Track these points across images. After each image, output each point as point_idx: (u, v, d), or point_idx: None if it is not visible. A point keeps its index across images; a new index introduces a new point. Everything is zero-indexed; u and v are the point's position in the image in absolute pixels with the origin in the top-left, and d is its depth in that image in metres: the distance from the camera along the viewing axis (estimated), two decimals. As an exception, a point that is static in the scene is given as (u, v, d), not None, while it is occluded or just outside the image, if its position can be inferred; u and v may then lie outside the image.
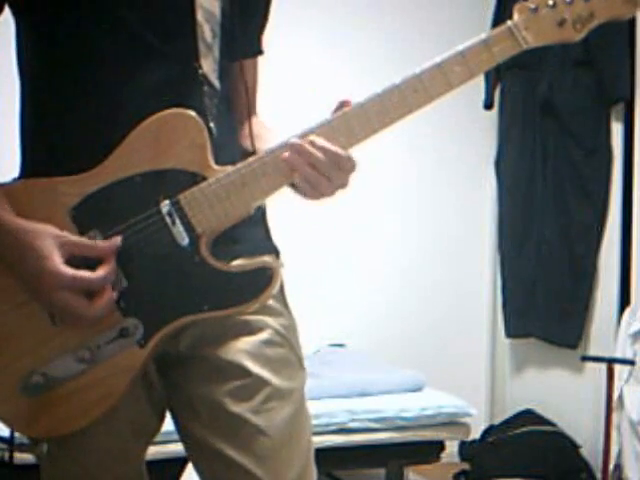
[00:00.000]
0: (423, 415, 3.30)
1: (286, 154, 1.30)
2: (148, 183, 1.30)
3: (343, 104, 1.33)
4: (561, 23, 1.33)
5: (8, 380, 1.30)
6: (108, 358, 1.29)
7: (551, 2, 1.32)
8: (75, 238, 1.27)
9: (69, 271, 1.24)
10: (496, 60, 1.33)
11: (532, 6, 1.33)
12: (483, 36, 1.33)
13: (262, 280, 1.32)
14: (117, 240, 1.28)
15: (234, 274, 1.32)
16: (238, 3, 1.42)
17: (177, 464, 2.68)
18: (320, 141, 1.30)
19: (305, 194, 1.35)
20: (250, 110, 1.52)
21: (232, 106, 1.48)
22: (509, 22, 1.33)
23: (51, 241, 1.25)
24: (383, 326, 4.19)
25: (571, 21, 1.33)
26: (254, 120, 1.52)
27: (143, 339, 1.30)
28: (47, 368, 1.29)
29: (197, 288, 1.31)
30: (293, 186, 1.36)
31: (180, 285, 1.31)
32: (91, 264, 1.27)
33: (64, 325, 1.29)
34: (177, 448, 2.14)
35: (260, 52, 1.54)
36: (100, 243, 1.27)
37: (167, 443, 2.58)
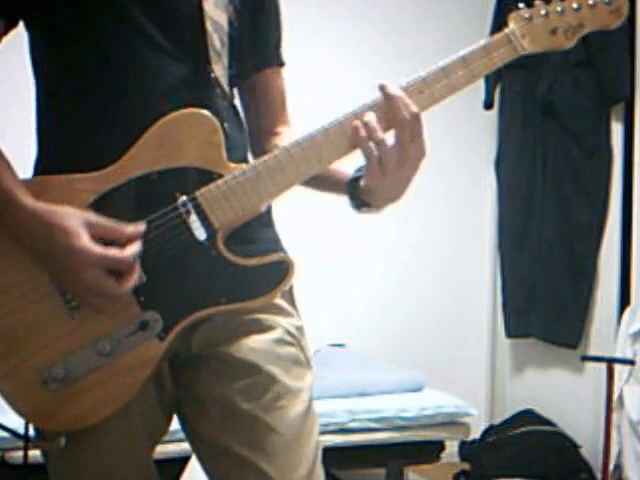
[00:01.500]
0: (423, 415, 3.30)
1: (355, 122, 1.34)
2: (164, 180, 1.32)
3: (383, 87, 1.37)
4: (553, 31, 1.44)
5: (28, 374, 1.30)
6: (128, 351, 1.31)
7: (543, 12, 1.43)
8: (101, 219, 1.28)
9: (98, 248, 1.25)
10: (495, 64, 1.42)
11: (526, 15, 1.43)
12: (482, 42, 1.41)
13: (278, 273, 1.35)
14: (141, 226, 1.29)
15: (251, 268, 1.34)
16: (246, 16, 1.46)
17: (177, 464, 2.70)
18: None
19: (372, 179, 1.36)
20: (281, 120, 1.57)
21: (257, 118, 1.53)
22: (506, 30, 1.43)
23: (78, 220, 1.26)
24: (383, 326, 4.19)
25: (562, 30, 1.44)
26: (284, 131, 1.55)
27: (163, 332, 1.32)
28: (67, 362, 1.30)
29: (215, 281, 1.33)
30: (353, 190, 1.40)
31: (198, 279, 1.33)
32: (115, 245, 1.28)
33: (88, 310, 1.29)
34: (177, 448, 2.16)
35: (281, 63, 1.57)
36: (125, 227, 1.28)
37: (167, 443, 2.58)
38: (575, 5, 1.42)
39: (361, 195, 1.42)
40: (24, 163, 1.41)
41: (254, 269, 1.34)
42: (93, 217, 1.28)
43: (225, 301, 1.33)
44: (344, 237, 4.14)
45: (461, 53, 1.39)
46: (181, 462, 2.67)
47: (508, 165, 4.26)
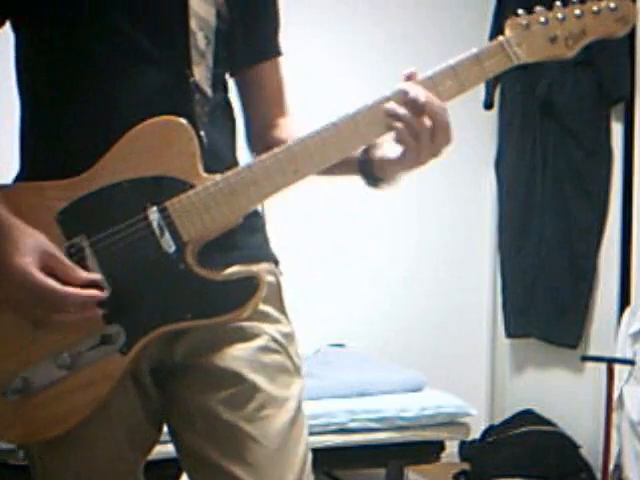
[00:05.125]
0: (423, 415, 3.29)
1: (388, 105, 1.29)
2: (136, 189, 1.29)
3: (410, 77, 1.33)
4: (553, 40, 1.35)
5: None
6: (89, 365, 1.28)
7: (543, 19, 1.34)
8: (59, 253, 1.25)
9: (38, 274, 1.22)
10: (487, 74, 1.34)
11: (524, 22, 1.34)
12: (475, 50, 1.34)
13: (247, 290, 1.30)
14: (97, 275, 1.27)
15: (219, 283, 1.31)
16: (238, 6, 1.42)
17: (177, 464, 2.69)
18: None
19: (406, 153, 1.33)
20: (280, 111, 1.52)
21: (254, 113, 1.49)
22: (501, 37, 1.34)
23: (34, 243, 1.24)
24: (383, 326, 4.19)
25: (563, 38, 1.36)
26: (282, 122, 1.51)
27: (125, 346, 1.29)
28: (27, 373, 1.28)
29: (181, 296, 1.30)
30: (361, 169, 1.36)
31: (164, 293, 1.30)
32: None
33: (48, 330, 1.27)
34: (177, 448, 2.13)
35: (277, 53, 1.52)
36: (78, 270, 1.25)
37: (167, 443, 2.58)
38: (578, 12, 1.35)
39: (375, 172, 1.38)
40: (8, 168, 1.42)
41: (223, 285, 1.31)
42: (51, 248, 1.25)
43: (191, 317, 1.30)
44: (344, 237, 4.14)
45: (451, 62, 1.33)
46: (181, 462, 2.66)
47: (508, 165, 4.26)
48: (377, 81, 4.04)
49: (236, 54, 1.44)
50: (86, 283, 1.25)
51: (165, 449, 2.61)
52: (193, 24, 1.35)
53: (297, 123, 1.51)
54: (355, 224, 4.15)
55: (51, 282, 1.23)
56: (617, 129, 3.74)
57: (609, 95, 3.69)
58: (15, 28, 1.38)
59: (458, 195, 4.39)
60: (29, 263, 1.22)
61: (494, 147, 4.35)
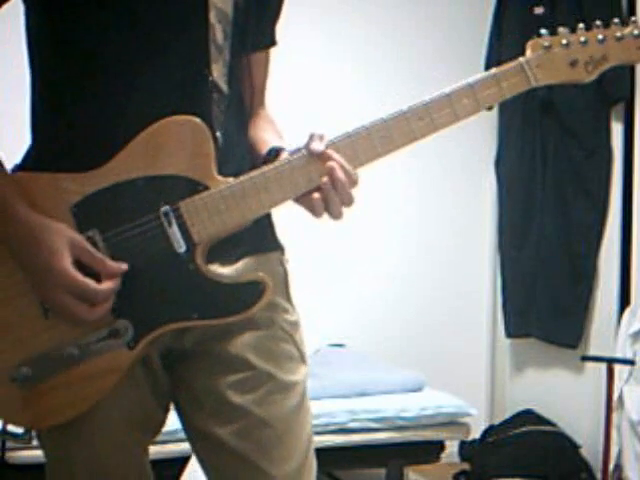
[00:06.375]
0: (423, 415, 3.30)
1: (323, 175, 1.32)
2: (150, 187, 1.30)
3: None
4: (573, 63, 1.35)
5: None
6: (96, 357, 1.30)
7: (565, 41, 1.34)
8: (88, 245, 1.28)
9: (75, 274, 1.25)
10: (504, 95, 1.35)
11: (546, 44, 1.34)
12: (494, 70, 1.35)
13: (253, 294, 1.33)
14: (124, 265, 1.29)
15: (226, 285, 1.33)
16: None
17: (177, 464, 2.70)
18: (341, 159, 1.32)
19: (315, 211, 1.35)
20: (261, 100, 1.54)
21: (245, 102, 1.48)
22: (521, 58, 1.35)
23: (65, 239, 1.26)
24: (383, 326, 4.19)
25: (583, 62, 1.36)
26: (261, 115, 1.53)
27: (132, 341, 1.31)
28: (36, 361, 1.30)
29: (189, 296, 1.32)
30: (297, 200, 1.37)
31: (173, 291, 1.32)
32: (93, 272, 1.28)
33: (58, 319, 1.29)
34: (177, 448, 2.16)
35: (274, 43, 1.53)
36: (108, 262, 1.28)
37: (167, 443, 2.58)
38: (600, 36, 1.35)
39: None
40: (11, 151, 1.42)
41: (230, 287, 1.33)
42: (81, 241, 1.27)
43: (197, 316, 1.32)
44: (345, 237, 4.14)
45: (469, 80, 1.33)
46: (181, 462, 2.67)
47: (508, 165, 4.26)
48: (376, 81, 4.05)
49: (243, 42, 1.43)
50: (116, 273, 1.28)
51: (165, 449, 2.63)
52: (212, 17, 1.35)
53: (271, 116, 1.55)
54: (355, 224, 4.14)
55: (88, 280, 1.25)
56: (617, 129, 3.74)
57: (609, 95, 3.69)
58: (28, 13, 1.37)
59: (458, 195, 4.39)
60: (67, 263, 1.25)
61: (494, 147, 4.35)
